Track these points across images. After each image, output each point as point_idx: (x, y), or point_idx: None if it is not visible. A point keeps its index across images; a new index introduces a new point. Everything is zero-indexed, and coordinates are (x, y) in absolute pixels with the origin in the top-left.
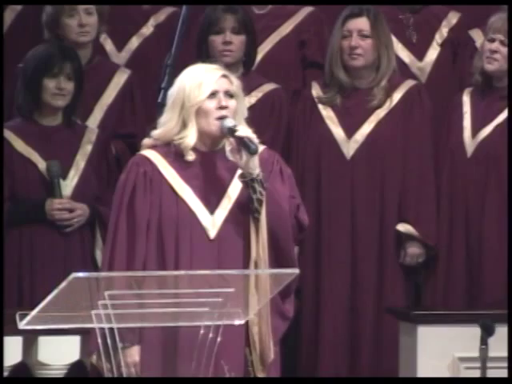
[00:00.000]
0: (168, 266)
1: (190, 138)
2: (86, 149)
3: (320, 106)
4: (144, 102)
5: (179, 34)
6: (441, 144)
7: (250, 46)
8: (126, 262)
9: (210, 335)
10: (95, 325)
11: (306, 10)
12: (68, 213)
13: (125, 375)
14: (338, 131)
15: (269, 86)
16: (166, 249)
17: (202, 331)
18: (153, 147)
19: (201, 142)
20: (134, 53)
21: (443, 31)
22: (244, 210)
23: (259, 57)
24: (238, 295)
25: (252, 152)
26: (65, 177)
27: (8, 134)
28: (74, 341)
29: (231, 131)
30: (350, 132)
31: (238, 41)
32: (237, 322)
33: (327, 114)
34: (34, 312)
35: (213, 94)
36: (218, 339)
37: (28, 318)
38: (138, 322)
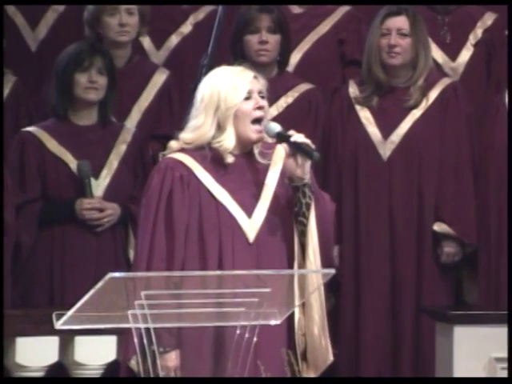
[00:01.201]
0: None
1: (229, 140)
2: (120, 148)
3: (357, 107)
4: (181, 101)
5: (215, 34)
6: (484, 144)
7: (285, 45)
8: (166, 266)
9: (246, 335)
10: (131, 325)
11: (344, 8)
12: (98, 212)
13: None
14: (374, 132)
15: (305, 86)
16: (208, 254)
17: (238, 331)
18: (182, 150)
19: (235, 145)
20: (172, 51)
21: (478, 32)
22: (280, 211)
23: (298, 56)
24: (274, 295)
25: (315, 158)
26: (97, 176)
27: (41, 134)
28: (111, 341)
29: (282, 136)
30: (386, 133)
31: (273, 40)
32: (273, 323)
33: (364, 114)
34: (70, 312)
35: (248, 96)
36: (255, 339)
37: (64, 317)
38: (175, 323)
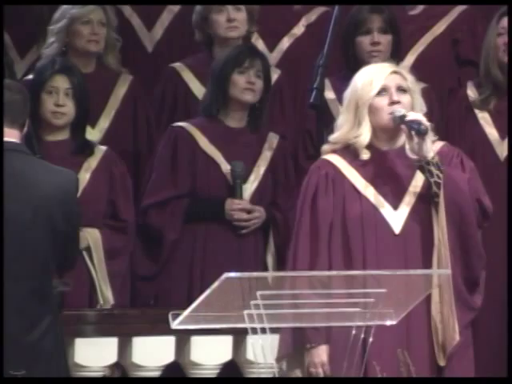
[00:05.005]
0: (355, 263)
1: (364, 136)
2: (267, 155)
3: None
4: (293, 102)
5: (331, 34)
6: None
7: (396, 45)
8: (309, 263)
9: (362, 336)
10: (247, 325)
11: (459, 8)
12: (246, 214)
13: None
14: (491, 132)
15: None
16: (352, 247)
17: (353, 331)
18: (333, 151)
19: (378, 139)
20: (285, 53)
21: None
22: (427, 205)
23: (413, 58)
24: (390, 295)
25: (421, 132)
26: (245, 180)
27: (194, 131)
28: (227, 341)
29: (402, 118)
30: (503, 133)
31: (385, 40)
32: (388, 323)
33: (482, 114)
34: (186, 312)
35: (384, 91)
36: (370, 339)
37: (180, 317)
38: (324, 322)
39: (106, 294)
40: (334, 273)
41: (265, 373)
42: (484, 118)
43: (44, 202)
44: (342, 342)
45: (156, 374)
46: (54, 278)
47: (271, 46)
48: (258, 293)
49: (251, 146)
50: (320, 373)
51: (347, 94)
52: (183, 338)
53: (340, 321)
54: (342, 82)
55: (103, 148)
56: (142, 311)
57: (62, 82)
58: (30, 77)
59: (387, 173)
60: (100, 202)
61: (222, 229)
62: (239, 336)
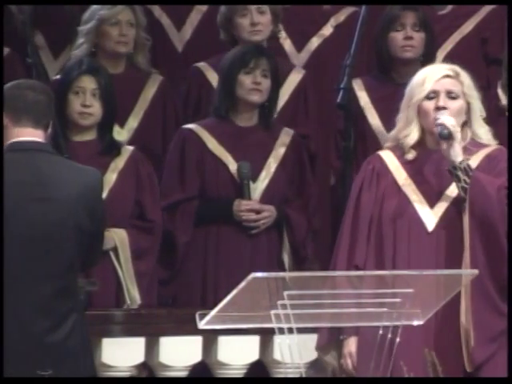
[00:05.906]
0: (386, 258)
1: (412, 136)
2: (279, 151)
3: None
4: (318, 102)
5: (358, 34)
6: None
7: (429, 44)
8: (347, 259)
9: (389, 336)
10: (274, 325)
11: (488, 7)
12: (255, 214)
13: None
14: None
15: None
16: (384, 241)
17: (380, 332)
18: (388, 148)
19: (428, 139)
20: (313, 53)
21: None
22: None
23: (441, 57)
24: (417, 295)
25: (442, 136)
26: (255, 178)
27: (202, 132)
28: (254, 341)
29: (435, 121)
30: None
31: (418, 37)
32: (415, 323)
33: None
34: (213, 312)
35: (434, 94)
36: (397, 340)
37: (207, 317)
38: (351, 321)
39: (133, 294)
40: (360, 273)
41: (292, 373)
42: None
43: (69, 201)
44: (370, 334)
45: (183, 373)
46: (80, 277)
47: (299, 47)
48: (285, 293)
49: (263, 144)
50: (348, 363)
51: (406, 91)
52: (210, 338)
53: (367, 321)
54: (373, 83)
55: (130, 148)
56: (169, 311)
57: (88, 83)
58: (58, 77)
59: (432, 171)
60: (127, 203)
61: (233, 229)
62: (266, 336)
